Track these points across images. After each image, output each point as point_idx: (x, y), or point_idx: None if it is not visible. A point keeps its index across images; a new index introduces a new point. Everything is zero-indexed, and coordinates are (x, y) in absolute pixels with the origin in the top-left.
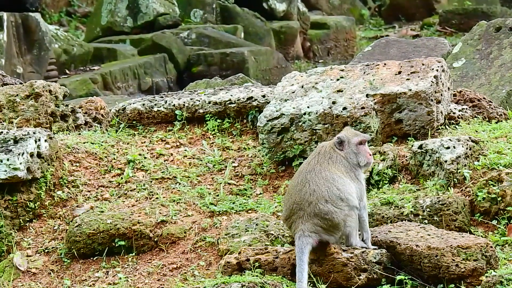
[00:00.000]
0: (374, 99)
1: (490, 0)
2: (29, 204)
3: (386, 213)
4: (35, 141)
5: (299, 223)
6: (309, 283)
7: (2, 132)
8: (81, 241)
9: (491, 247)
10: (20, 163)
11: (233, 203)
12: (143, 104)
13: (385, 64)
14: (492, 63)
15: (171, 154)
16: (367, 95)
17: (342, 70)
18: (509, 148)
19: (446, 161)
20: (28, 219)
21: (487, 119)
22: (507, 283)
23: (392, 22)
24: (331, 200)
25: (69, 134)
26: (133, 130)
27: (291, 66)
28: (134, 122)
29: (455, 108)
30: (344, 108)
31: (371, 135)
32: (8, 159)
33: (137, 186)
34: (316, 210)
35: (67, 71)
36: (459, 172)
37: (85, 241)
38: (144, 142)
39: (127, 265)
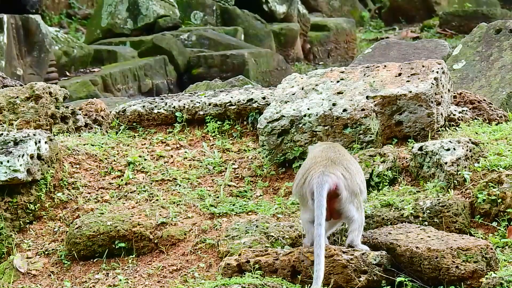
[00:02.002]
0: (374, 101)
1: (490, 2)
2: (29, 206)
3: (386, 215)
4: (35, 143)
5: (320, 167)
6: (308, 284)
7: (2, 134)
8: (81, 243)
9: (491, 249)
10: (20, 165)
11: (233, 205)
12: (143, 106)
13: (385, 66)
14: (492, 65)
15: (171, 156)
16: (367, 97)
17: (342, 72)
18: (509, 150)
19: (446, 163)
20: (28, 221)
21: (487, 121)
22: (507, 285)
23: (392, 24)
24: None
25: (69, 136)
26: (133, 132)
27: (291, 68)
28: (134, 124)
29: (455, 110)
30: (344, 110)
31: (371, 137)
32: (8, 161)
33: (137, 188)
34: (344, 163)
35: (67, 73)
36: (459, 174)
37: (85, 243)
38: (144, 144)
39: (127, 267)
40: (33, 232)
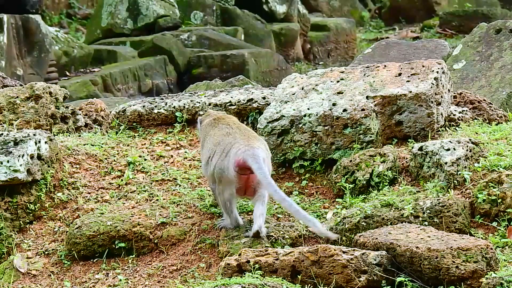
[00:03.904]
0: (374, 101)
1: (490, 2)
2: (29, 206)
3: (386, 215)
4: (35, 143)
5: (242, 140)
6: (309, 284)
7: (2, 134)
8: (81, 243)
9: (491, 249)
10: (20, 165)
11: None
12: (143, 106)
13: (385, 66)
14: (492, 65)
15: (171, 156)
16: (367, 97)
17: (342, 72)
18: (509, 150)
19: (446, 163)
20: (28, 221)
21: (487, 121)
22: (507, 285)
23: (392, 24)
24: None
25: (69, 136)
26: (133, 132)
27: (291, 68)
28: (134, 124)
29: (455, 110)
30: (344, 110)
31: (371, 137)
32: (8, 161)
33: (137, 188)
34: (259, 138)
35: (67, 73)
36: (459, 174)
37: (85, 243)
38: (144, 144)
39: (127, 266)
40: (33, 232)
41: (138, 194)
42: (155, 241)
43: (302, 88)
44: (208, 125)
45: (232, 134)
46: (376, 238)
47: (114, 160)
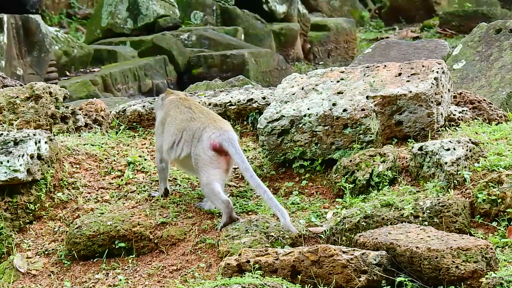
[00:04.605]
0: (374, 101)
1: (490, 2)
2: (29, 206)
3: (386, 215)
4: (35, 143)
5: (212, 123)
6: (309, 284)
7: (2, 134)
8: (81, 243)
9: (491, 249)
10: (20, 165)
11: (234, 204)
12: (143, 106)
13: (385, 66)
14: (492, 65)
15: None
16: (367, 97)
17: (342, 72)
18: (509, 150)
19: (446, 163)
20: (28, 221)
21: (487, 121)
22: (507, 285)
23: (392, 24)
24: None
25: (69, 136)
26: (133, 132)
27: (291, 68)
28: (134, 123)
29: (455, 110)
30: (344, 110)
31: (371, 137)
32: (8, 161)
33: (137, 188)
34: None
35: (67, 73)
36: (459, 174)
37: (85, 243)
38: (144, 143)
39: (127, 266)
40: (33, 232)
41: (138, 194)
42: (155, 241)
43: (302, 88)
44: (170, 104)
45: (197, 119)
46: (376, 238)
47: (114, 160)
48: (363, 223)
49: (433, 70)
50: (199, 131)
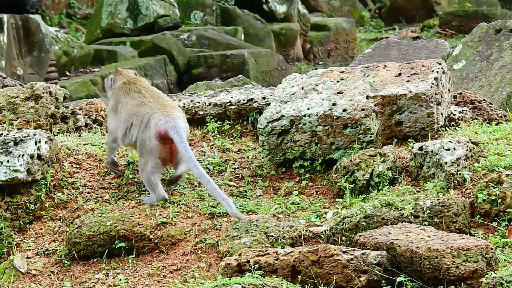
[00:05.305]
0: (374, 101)
1: (490, 2)
2: (29, 205)
3: (386, 215)
4: (35, 143)
5: (160, 110)
6: (309, 284)
7: (2, 134)
8: (81, 242)
9: (491, 249)
10: (20, 165)
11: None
12: None
13: (385, 66)
14: (492, 65)
15: None
16: (367, 97)
17: (342, 72)
18: (509, 150)
19: (446, 163)
20: (28, 220)
21: (487, 121)
22: (507, 284)
23: (392, 24)
24: None
25: (69, 135)
26: None
27: (291, 68)
28: None
29: (455, 110)
30: (344, 110)
31: (371, 137)
32: (8, 161)
33: (137, 188)
34: (175, 105)
35: (67, 73)
36: (459, 174)
37: (85, 243)
38: None
39: (127, 266)
40: (33, 232)
41: (138, 194)
42: (155, 241)
43: (302, 88)
44: (119, 90)
45: (147, 103)
46: (376, 238)
47: None
48: (363, 223)
49: (433, 70)
50: (147, 116)
